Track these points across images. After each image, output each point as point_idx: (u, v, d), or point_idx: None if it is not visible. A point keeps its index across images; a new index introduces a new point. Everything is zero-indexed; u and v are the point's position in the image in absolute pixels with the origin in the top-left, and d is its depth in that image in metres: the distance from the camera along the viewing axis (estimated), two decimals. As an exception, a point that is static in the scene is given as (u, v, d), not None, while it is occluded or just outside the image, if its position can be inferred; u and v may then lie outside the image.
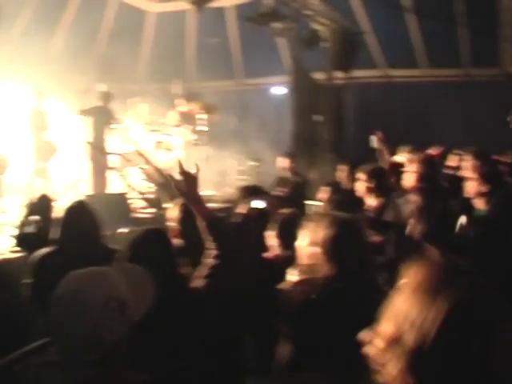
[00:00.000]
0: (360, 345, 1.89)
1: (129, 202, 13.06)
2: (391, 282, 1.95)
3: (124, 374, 2.73)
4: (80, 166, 15.49)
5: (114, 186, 14.69)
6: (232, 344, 4.44)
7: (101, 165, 14.38)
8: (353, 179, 7.84)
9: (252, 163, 17.44)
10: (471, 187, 6.26)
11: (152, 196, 13.79)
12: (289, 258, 4.39)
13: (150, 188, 14.20)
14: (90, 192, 13.66)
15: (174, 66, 18.93)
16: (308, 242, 3.73)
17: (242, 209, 5.35)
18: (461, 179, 7.00)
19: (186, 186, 4.22)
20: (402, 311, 1.73)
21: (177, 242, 5.14)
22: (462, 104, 17.24)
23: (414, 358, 1.69)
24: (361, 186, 7.36)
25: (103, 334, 2.54)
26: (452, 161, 9.37)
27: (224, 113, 16.99)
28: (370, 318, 1.93)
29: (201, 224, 4.19)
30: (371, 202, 7.18)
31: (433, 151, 9.96)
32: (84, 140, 14.71)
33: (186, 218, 5.53)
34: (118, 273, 2.75)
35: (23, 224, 7.15)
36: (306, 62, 16.37)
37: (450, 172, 8.89)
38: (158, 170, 13.75)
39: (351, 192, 7.65)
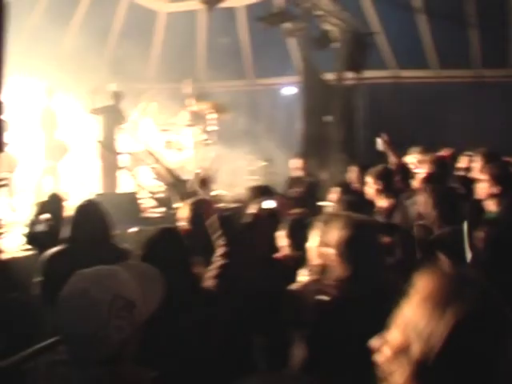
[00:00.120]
0: (371, 351, 1.89)
1: (139, 201, 13.07)
2: (401, 284, 1.95)
3: (133, 372, 2.73)
4: (90, 165, 15.50)
5: (124, 185, 14.69)
6: (242, 344, 4.43)
7: (111, 164, 14.38)
8: (363, 180, 7.82)
9: (262, 163, 17.44)
10: (482, 189, 6.25)
11: (162, 195, 13.80)
12: (299, 259, 4.39)
13: (160, 187, 14.21)
14: (100, 191, 13.66)
15: (184, 65, 18.94)
16: (320, 243, 3.72)
17: (252, 209, 5.34)
18: (472, 181, 6.99)
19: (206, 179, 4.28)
20: (411, 320, 1.74)
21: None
22: (472, 105, 17.21)
23: (420, 369, 1.69)
24: (370, 189, 7.35)
25: (110, 332, 2.55)
26: (462, 162, 9.36)
27: (234, 113, 16.98)
28: (382, 322, 1.92)
29: (211, 218, 4.19)
30: (382, 203, 7.16)
31: (444, 152, 9.95)
32: (94, 139, 14.72)
33: (197, 217, 5.54)
34: (126, 272, 2.75)
35: (34, 223, 7.15)
36: (316, 63, 16.34)
37: (461, 173, 8.88)
38: (168, 170, 13.77)
39: (361, 193, 7.64)
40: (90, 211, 5.85)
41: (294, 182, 11.45)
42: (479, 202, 6.25)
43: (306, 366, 3.53)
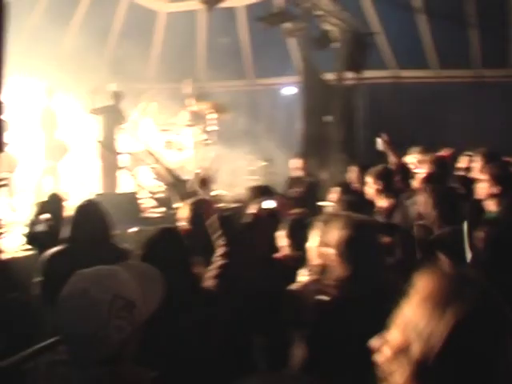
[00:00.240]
0: (371, 351, 1.89)
1: (139, 201, 13.08)
2: (401, 284, 1.95)
3: (133, 371, 2.73)
4: (90, 165, 15.51)
5: (124, 185, 14.70)
6: (242, 345, 4.44)
7: (111, 164, 14.39)
8: (363, 180, 7.82)
9: (262, 163, 17.45)
10: (482, 189, 6.25)
11: (162, 195, 13.81)
12: (299, 259, 4.39)
13: (160, 187, 14.22)
14: (100, 191, 13.66)
15: (184, 65, 18.95)
16: (320, 243, 3.72)
17: (252, 209, 5.34)
18: (472, 181, 6.99)
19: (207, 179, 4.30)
20: (411, 320, 1.74)
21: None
22: (472, 105, 17.22)
23: (420, 369, 1.70)
24: (370, 189, 7.35)
25: (110, 332, 2.55)
26: (462, 162, 9.36)
27: (234, 113, 16.98)
28: (383, 322, 1.92)
29: (211, 218, 4.20)
30: (382, 203, 7.16)
31: (444, 152, 9.95)
32: (94, 139, 14.73)
33: (197, 217, 5.55)
34: (126, 272, 2.75)
35: (34, 223, 7.16)
36: (316, 63, 16.34)
37: (461, 173, 8.88)
38: (168, 170, 13.77)
39: (361, 193, 7.64)
40: (90, 211, 5.85)
41: (294, 181, 11.46)
42: (479, 201, 6.25)
43: (306, 366, 3.53)
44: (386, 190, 7.18)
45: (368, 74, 17.15)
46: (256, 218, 5.12)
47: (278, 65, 19.46)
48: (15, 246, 9.07)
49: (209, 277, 4.07)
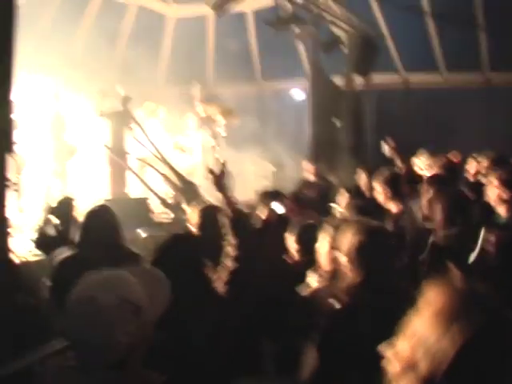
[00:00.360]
0: (381, 357, 1.89)
1: (148, 205, 13.08)
2: (411, 289, 1.94)
3: (142, 376, 2.73)
4: (99, 168, 15.51)
5: (132, 189, 14.70)
6: (252, 349, 4.44)
7: (120, 168, 14.39)
8: (372, 186, 7.81)
9: (271, 167, 17.43)
10: (492, 193, 6.23)
11: (171, 200, 13.80)
12: (309, 264, 4.39)
13: (169, 192, 14.21)
14: (109, 195, 13.67)
15: (193, 69, 18.96)
16: (330, 248, 3.72)
17: (261, 213, 5.34)
18: (481, 185, 6.98)
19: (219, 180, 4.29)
20: (420, 334, 1.73)
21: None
22: (481, 108, 17.20)
23: None
24: (379, 195, 7.34)
25: (119, 337, 2.55)
26: (471, 166, 9.35)
27: (243, 116, 16.96)
28: (393, 328, 1.92)
29: (224, 222, 4.20)
30: (391, 208, 7.15)
31: (452, 157, 9.93)
32: (103, 143, 14.73)
33: (206, 222, 5.54)
34: (132, 276, 2.75)
35: (43, 226, 7.16)
36: (324, 67, 16.34)
37: (470, 178, 8.87)
38: (177, 174, 13.76)
39: (371, 198, 7.63)
40: (100, 216, 5.86)
41: (306, 184, 11.44)
42: (489, 205, 6.24)
43: (317, 371, 3.53)
44: (395, 195, 7.18)
45: (376, 77, 17.15)
46: (266, 223, 5.13)
47: (286, 69, 19.47)
48: (24, 250, 9.07)
49: (220, 281, 4.07)
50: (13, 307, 5.92)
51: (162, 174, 14.04)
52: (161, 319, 2.85)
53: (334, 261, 3.76)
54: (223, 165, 4.49)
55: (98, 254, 5.30)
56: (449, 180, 7.75)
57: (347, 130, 15.58)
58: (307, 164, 12.52)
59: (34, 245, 7.48)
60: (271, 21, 14.72)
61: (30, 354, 4.72)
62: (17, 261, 8.27)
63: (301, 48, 18.62)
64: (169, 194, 14.12)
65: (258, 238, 4.63)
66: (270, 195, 6.58)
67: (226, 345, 3.83)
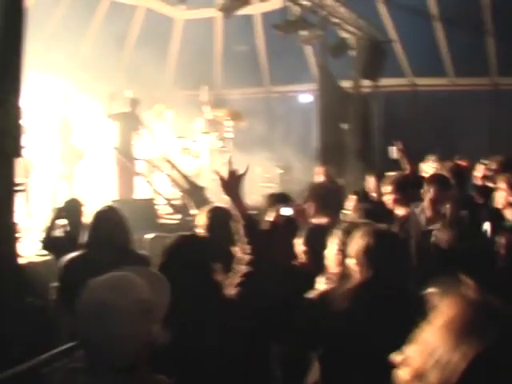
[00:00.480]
0: (391, 365, 1.88)
1: (155, 207, 13.09)
2: (419, 293, 1.94)
3: (150, 379, 2.74)
4: (106, 171, 15.53)
5: (140, 191, 14.72)
6: (260, 353, 4.43)
7: (127, 170, 14.41)
8: (380, 189, 7.81)
9: (278, 170, 17.42)
10: (500, 197, 6.23)
11: (178, 202, 13.81)
12: (317, 267, 4.39)
13: (176, 194, 14.21)
14: (116, 197, 13.68)
15: (200, 72, 18.97)
16: (339, 251, 3.72)
17: (269, 216, 5.34)
18: (489, 189, 6.98)
19: (231, 184, 4.28)
20: (431, 345, 1.71)
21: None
22: (489, 113, 17.17)
23: None
24: (387, 199, 7.33)
25: (131, 339, 2.56)
26: (479, 171, 9.33)
27: (251, 120, 16.97)
28: (400, 331, 1.92)
29: (237, 226, 4.19)
30: (399, 211, 7.15)
31: (461, 162, 9.91)
32: (111, 145, 14.76)
33: (214, 223, 5.54)
34: (137, 276, 2.76)
35: (51, 228, 7.17)
36: (332, 70, 16.34)
37: (478, 182, 8.86)
38: (185, 177, 13.77)
39: (379, 201, 7.63)
40: (108, 217, 5.86)
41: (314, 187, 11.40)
42: (497, 210, 6.23)
43: (324, 372, 3.54)
44: (403, 199, 7.17)
45: (384, 81, 17.16)
46: (274, 226, 5.13)
47: (294, 72, 19.45)
48: (32, 251, 9.08)
49: (231, 284, 4.06)
50: (20, 309, 5.93)
51: (170, 176, 14.06)
52: (168, 321, 2.86)
53: (342, 263, 3.76)
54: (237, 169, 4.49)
55: (106, 254, 5.31)
56: (456, 184, 7.75)
57: (355, 134, 15.58)
58: (318, 167, 12.50)
59: (41, 246, 7.50)
60: (279, 24, 14.72)
61: (37, 355, 4.72)
62: (24, 262, 8.29)
63: (309, 52, 18.63)
64: (176, 195, 14.14)
65: (267, 240, 4.62)
66: (277, 198, 6.59)
67: (234, 347, 3.83)
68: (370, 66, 15.99)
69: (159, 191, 14.37)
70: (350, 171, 14.20)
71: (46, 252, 7.83)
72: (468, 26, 16.90)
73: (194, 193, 12.98)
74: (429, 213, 6.65)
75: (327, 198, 7.08)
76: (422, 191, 7.10)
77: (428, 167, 9.71)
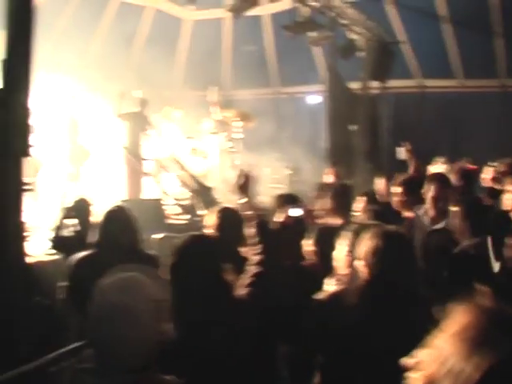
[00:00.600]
0: (399, 367, 1.88)
1: (163, 208, 13.10)
2: (427, 295, 1.93)
3: (159, 379, 2.74)
4: (115, 170, 15.55)
5: (148, 191, 14.74)
6: (268, 353, 4.44)
7: (136, 170, 14.44)
8: (389, 190, 7.81)
9: (287, 171, 17.41)
10: (508, 200, 6.21)
11: (187, 202, 13.81)
12: (325, 267, 4.38)
13: (185, 194, 14.22)
14: (125, 197, 13.70)
15: (209, 73, 18.96)
16: (348, 252, 3.72)
17: (278, 217, 5.34)
18: (498, 192, 6.96)
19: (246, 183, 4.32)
20: (443, 353, 1.70)
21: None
22: (497, 115, 17.13)
23: None
24: (396, 200, 7.33)
25: (150, 337, 2.57)
26: (487, 173, 9.31)
27: (259, 121, 16.96)
28: (406, 332, 1.92)
29: (248, 226, 4.21)
30: (407, 213, 7.14)
31: (468, 164, 9.89)
32: (120, 145, 14.79)
33: (224, 223, 5.54)
34: (145, 276, 2.76)
35: (60, 227, 7.19)
36: (341, 71, 16.33)
37: (486, 184, 8.84)
38: (193, 177, 13.79)
39: (388, 203, 7.62)
40: (118, 217, 5.88)
41: (324, 188, 11.39)
42: (506, 212, 6.21)
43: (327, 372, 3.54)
44: (411, 200, 7.16)
45: (393, 83, 17.11)
46: (282, 227, 5.13)
47: (303, 73, 19.45)
48: (40, 251, 9.10)
49: (242, 284, 4.06)
50: (28, 308, 5.94)
51: (178, 177, 14.07)
52: (178, 321, 2.86)
53: (351, 264, 3.76)
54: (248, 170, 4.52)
55: (115, 254, 5.31)
56: (465, 186, 7.75)
57: (363, 135, 15.55)
58: (327, 168, 12.49)
59: (50, 245, 7.51)
60: (288, 25, 14.72)
61: (44, 354, 4.73)
62: (32, 261, 8.30)
63: (317, 53, 18.63)
64: (184, 196, 14.15)
65: (276, 241, 4.63)
66: (286, 199, 6.59)
67: (242, 348, 3.83)
68: (379, 68, 15.95)
69: (168, 191, 14.39)
70: (358, 172, 14.17)
71: (54, 251, 7.85)
72: (477, 27, 16.86)
73: (203, 193, 12.99)
74: (432, 212, 6.64)
75: (345, 198, 7.11)
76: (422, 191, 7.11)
77: (436, 169, 9.68)
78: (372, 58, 15.68)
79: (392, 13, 17.64)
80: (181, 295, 3.51)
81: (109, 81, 16.59)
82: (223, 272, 3.94)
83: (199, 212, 11.81)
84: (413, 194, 7.16)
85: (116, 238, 5.69)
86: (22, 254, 6.05)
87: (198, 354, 3.56)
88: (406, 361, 1.86)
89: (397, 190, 7.30)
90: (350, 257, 3.86)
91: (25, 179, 5.73)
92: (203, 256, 3.92)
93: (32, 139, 5.86)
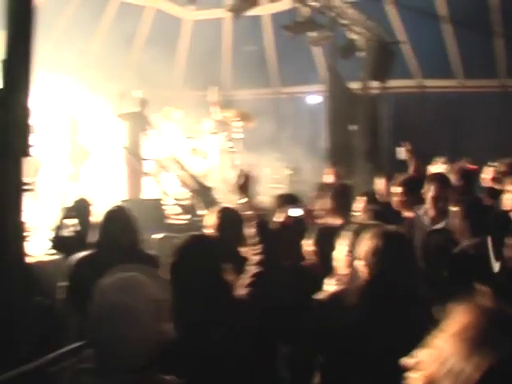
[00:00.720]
0: (399, 367, 1.88)
1: (163, 207, 13.10)
2: (427, 294, 1.93)
3: (159, 379, 2.74)
4: (115, 170, 15.55)
5: (148, 191, 14.74)
6: (268, 353, 4.44)
7: (136, 170, 14.44)
8: (389, 191, 7.81)
9: (287, 171, 17.40)
10: (508, 200, 6.21)
11: (186, 202, 13.81)
12: (325, 267, 4.38)
13: (185, 194, 14.22)
14: (125, 197, 13.70)
15: (209, 73, 18.95)
16: (348, 252, 3.72)
17: (278, 217, 5.34)
18: (498, 192, 6.96)
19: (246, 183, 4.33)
20: (443, 353, 1.70)
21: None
22: (497, 115, 17.13)
23: None
24: (396, 200, 7.33)
25: (150, 337, 2.57)
26: (487, 173, 9.31)
27: (259, 121, 16.95)
28: (411, 333, 1.91)
29: (248, 226, 4.21)
30: (407, 213, 7.14)
31: (468, 164, 9.88)
32: (120, 145, 14.79)
33: (224, 223, 5.55)
34: (145, 276, 2.76)
35: (60, 227, 7.19)
36: (341, 72, 16.32)
37: (487, 184, 8.84)
38: (193, 177, 13.79)
39: (388, 203, 7.62)
40: (118, 217, 5.88)
41: (324, 188, 11.39)
42: (506, 212, 6.21)
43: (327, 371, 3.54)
44: (413, 201, 7.16)
45: (393, 83, 17.11)
46: (282, 227, 5.13)
47: (303, 73, 19.44)
48: (40, 250, 9.10)
49: (242, 284, 4.07)
50: (28, 308, 5.94)
51: (178, 177, 14.07)
52: (178, 321, 2.86)
53: (351, 264, 3.76)
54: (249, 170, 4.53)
55: (115, 254, 5.32)
56: (466, 187, 7.75)
57: (363, 135, 15.55)
58: (327, 167, 12.49)
59: (50, 245, 7.52)
60: (288, 25, 14.72)
61: (44, 354, 4.73)
62: (32, 261, 8.30)
63: (317, 53, 18.63)
64: (184, 196, 14.14)
65: (276, 241, 4.63)
66: (286, 199, 6.59)
67: (242, 348, 3.84)
68: (379, 68, 15.95)
69: (167, 191, 14.39)
70: (358, 172, 14.17)
71: (54, 251, 7.86)
72: (477, 27, 16.86)
73: (203, 193, 13.00)
74: (432, 212, 6.64)
75: (345, 198, 7.11)
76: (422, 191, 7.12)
77: (436, 169, 9.67)
78: (372, 58, 15.68)
79: (392, 13, 17.64)
80: (181, 295, 3.52)
81: (109, 81, 16.59)
82: (223, 272, 3.95)
83: (199, 212, 11.81)
84: (413, 194, 7.16)
85: (116, 237, 5.70)
86: (22, 254, 6.05)
87: (198, 354, 3.56)
88: (406, 361, 1.86)
89: (397, 189, 7.30)
90: (349, 257, 3.87)
91: (25, 179, 5.73)
92: (203, 256, 3.93)
93: (32, 139, 5.86)
